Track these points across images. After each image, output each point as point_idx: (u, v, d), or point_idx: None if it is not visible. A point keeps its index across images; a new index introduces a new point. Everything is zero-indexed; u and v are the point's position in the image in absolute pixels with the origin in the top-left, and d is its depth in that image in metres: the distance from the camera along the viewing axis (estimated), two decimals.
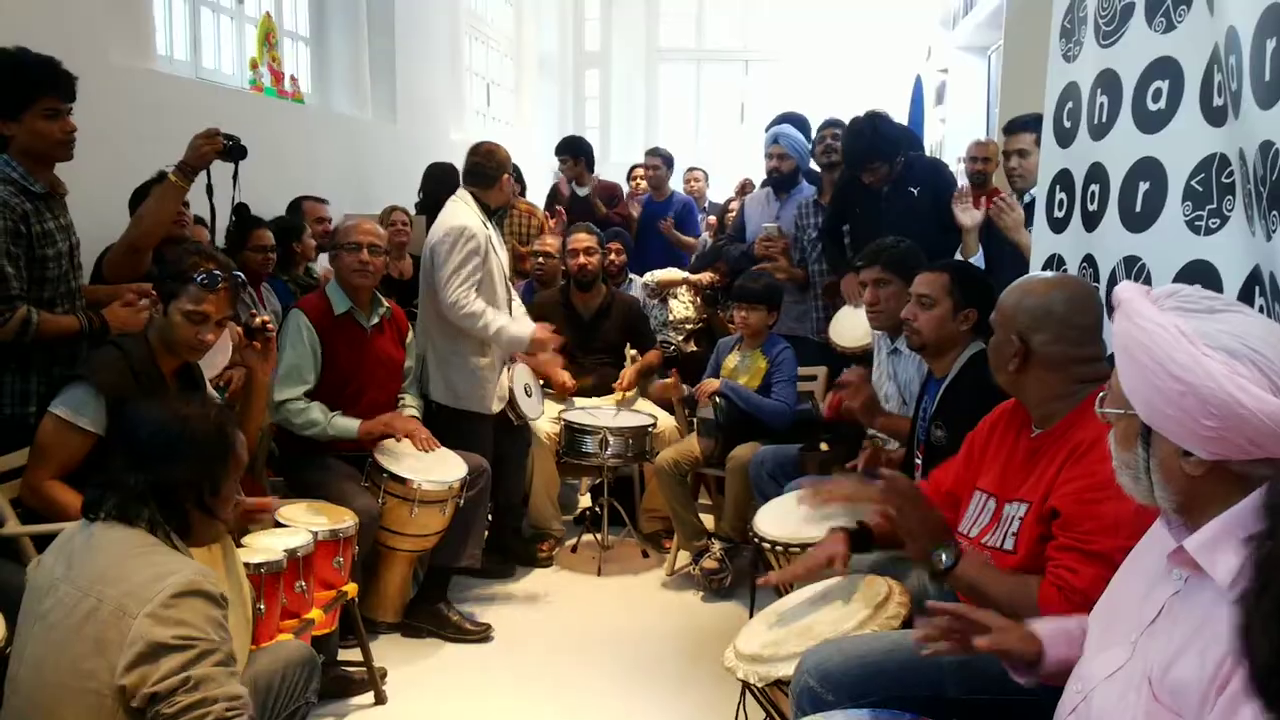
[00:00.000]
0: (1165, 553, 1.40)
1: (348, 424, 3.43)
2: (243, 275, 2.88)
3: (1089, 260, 2.71)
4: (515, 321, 3.89)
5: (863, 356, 3.72)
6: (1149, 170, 2.46)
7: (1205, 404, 1.26)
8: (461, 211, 3.87)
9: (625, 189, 7.30)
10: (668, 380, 4.41)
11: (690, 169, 7.62)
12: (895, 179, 4.22)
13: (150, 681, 1.63)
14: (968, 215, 3.91)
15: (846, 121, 4.80)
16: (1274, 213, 1.85)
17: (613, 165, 8.36)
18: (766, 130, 5.34)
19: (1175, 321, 1.32)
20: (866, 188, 4.27)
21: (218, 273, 2.64)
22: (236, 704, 1.68)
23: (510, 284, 4.10)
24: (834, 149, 4.74)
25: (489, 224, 3.89)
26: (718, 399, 4.08)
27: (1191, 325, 1.31)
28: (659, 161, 6.64)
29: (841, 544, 2.28)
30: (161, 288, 2.68)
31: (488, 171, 3.92)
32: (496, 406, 3.94)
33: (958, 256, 4.14)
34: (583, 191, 6.54)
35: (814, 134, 5.15)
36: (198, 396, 2.04)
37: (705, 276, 5.34)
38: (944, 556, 1.98)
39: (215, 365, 3.29)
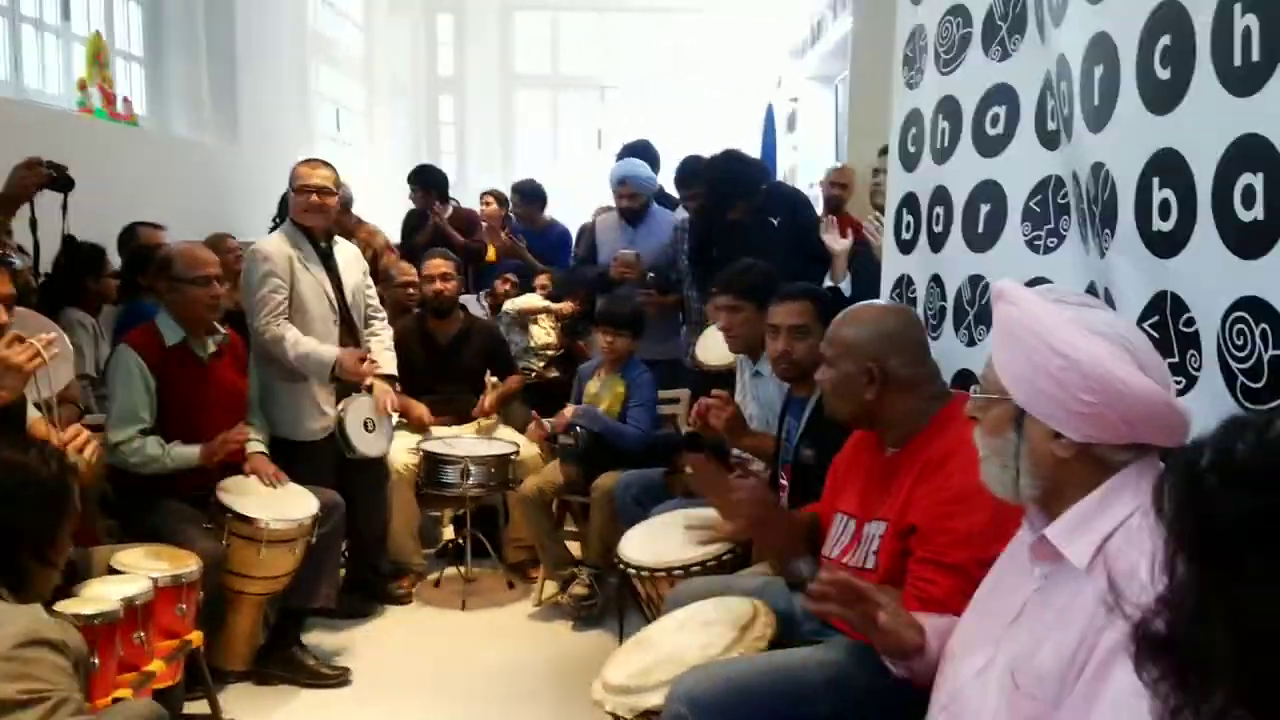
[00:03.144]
0: (1027, 553, 1.45)
1: (187, 452, 3.23)
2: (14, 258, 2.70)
3: (936, 280, 2.80)
4: (322, 347, 3.71)
5: (727, 375, 3.75)
6: (989, 192, 2.56)
7: (1085, 378, 1.33)
8: (269, 236, 3.81)
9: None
10: (532, 428, 4.34)
11: (484, 192, 7.50)
12: (756, 209, 4.28)
13: None
14: (836, 241, 3.99)
15: (697, 177, 4.85)
16: (1106, 231, 1.95)
17: (471, 192, 8.24)
18: (616, 160, 5.34)
19: (1056, 309, 1.40)
20: (726, 220, 4.32)
21: None
22: None
23: (355, 308, 3.95)
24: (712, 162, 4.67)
25: (304, 244, 3.76)
26: (577, 428, 4.04)
27: (1071, 312, 1.39)
28: (516, 198, 6.51)
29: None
30: None
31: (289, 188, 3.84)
32: (314, 434, 3.77)
33: (827, 282, 4.23)
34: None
35: (668, 165, 5.16)
36: (34, 444, 1.91)
37: (565, 306, 5.31)
38: (803, 567, 2.01)
39: (60, 378, 3.06)
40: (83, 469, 2.49)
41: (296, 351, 3.63)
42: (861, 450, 2.23)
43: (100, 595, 2.50)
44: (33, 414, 2.64)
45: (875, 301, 2.88)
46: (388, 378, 4.01)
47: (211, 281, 3.32)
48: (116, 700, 2.36)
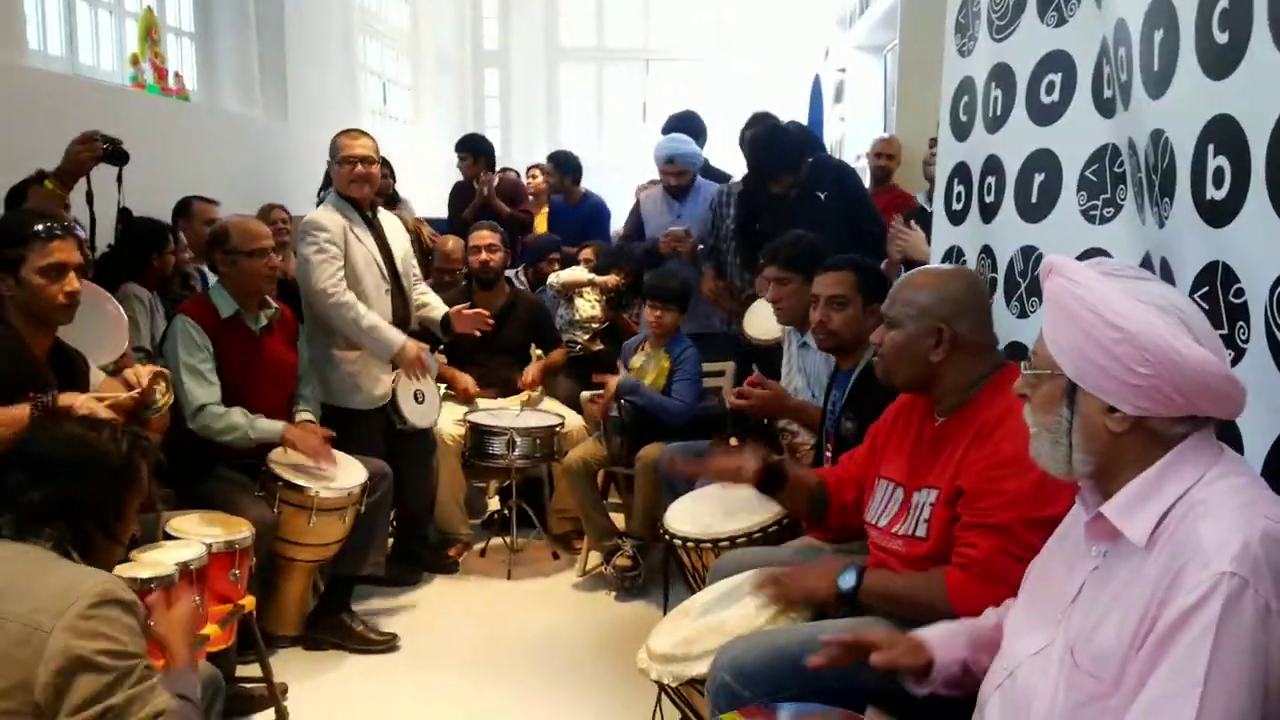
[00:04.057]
0: (1082, 534, 1.43)
1: (272, 426, 3.28)
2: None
3: (987, 251, 2.76)
4: (391, 329, 3.77)
5: (775, 347, 3.73)
6: (1044, 161, 2.51)
7: (1141, 350, 1.30)
8: (319, 209, 3.86)
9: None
10: (594, 406, 4.34)
11: (530, 166, 7.53)
12: (802, 183, 4.24)
13: (69, 707, 1.55)
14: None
15: (769, 115, 4.81)
16: (1165, 199, 1.90)
17: (515, 165, 8.26)
18: (662, 133, 5.30)
19: (1109, 281, 1.37)
20: (769, 194, 4.27)
21: (53, 224, 2.50)
22: (163, 718, 1.63)
23: (405, 276, 4.00)
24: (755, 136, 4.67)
25: (352, 214, 3.80)
26: (621, 400, 4.05)
27: (1124, 285, 1.36)
28: (550, 167, 6.59)
29: (753, 461, 2.31)
30: (3, 261, 2.46)
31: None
32: (372, 402, 3.83)
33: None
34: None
35: (715, 136, 5.14)
36: (105, 423, 1.97)
37: (610, 279, 5.31)
38: (847, 579, 2.02)
39: (116, 346, 3.12)
40: (160, 399, 2.61)
41: (365, 323, 3.68)
42: (907, 418, 2.21)
43: (156, 560, 2.54)
44: (99, 377, 2.70)
45: (941, 265, 2.84)
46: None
47: (268, 253, 3.38)
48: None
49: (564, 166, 6.46)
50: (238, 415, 3.25)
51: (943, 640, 1.67)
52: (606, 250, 5.60)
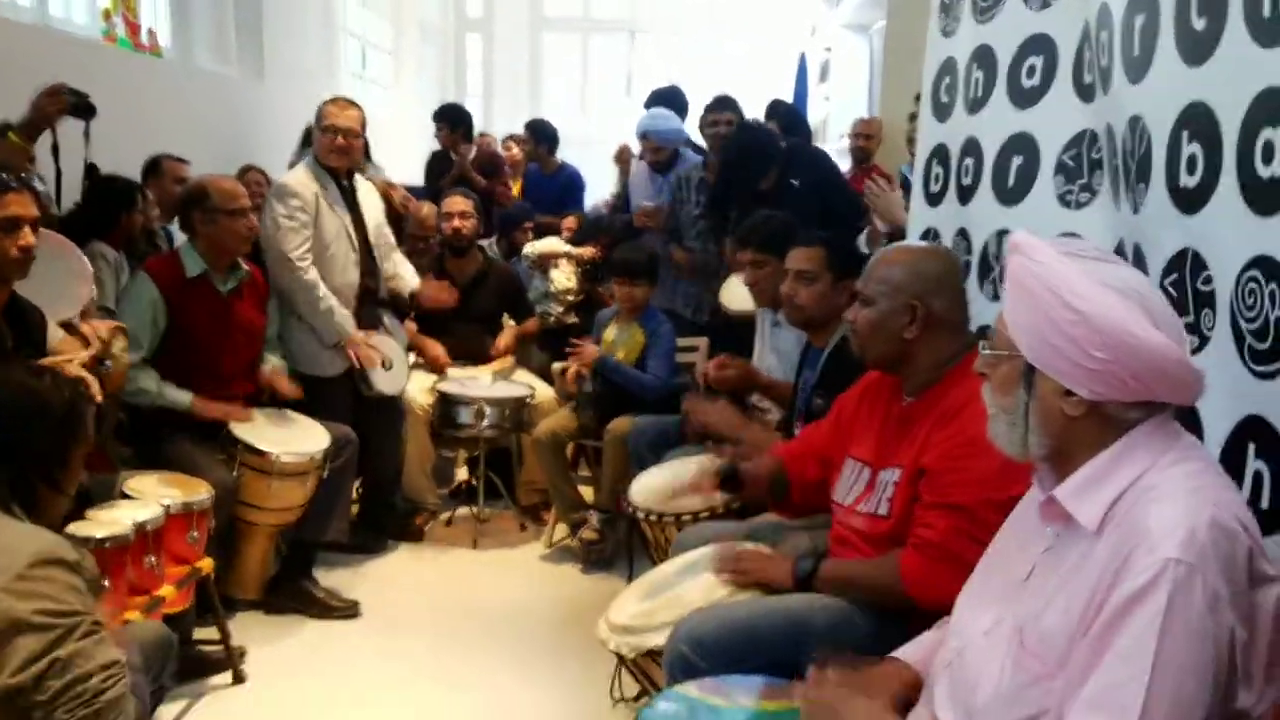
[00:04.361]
0: (1038, 512, 1.42)
1: (179, 396, 3.22)
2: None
3: (962, 233, 2.76)
4: (347, 318, 3.77)
5: (750, 321, 3.72)
6: (1022, 145, 2.50)
7: (1098, 333, 1.28)
8: (293, 171, 3.83)
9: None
10: (570, 373, 4.31)
11: (506, 137, 7.49)
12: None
13: (10, 669, 1.52)
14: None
15: (734, 101, 4.77)
16: (1141, 185, 1.89)
17: (497, 135, 8.18)
18: (645, 107, 5.26)
19: (1070, 262, 1.35)
20: (745, 183, 4.23)
21: (8, 177, 2.45)
22: (113, 670, 1.59)
23: (377, 247, 3.99)
24: (727, 138, 4.60)
25: (328, 182, 3.77)
26: (595, 374, 4.02)
27: (1086, 266, 1.34)
28: (526, 135, 6.59)
29: (710, 476, 2.39)
30: None
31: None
32: (333, 369, 3.80)
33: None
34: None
35: (698, 111, 5.10)
36: (48, 370, 1.93)
37: (586, 251, 5.27)
38: (804, 566, 2.04)
39: (78, 298, 3.06)
40: (118, 353, 2.60)
41: (325, 305, 3.69)
42: (875, 397, 2.20)
43: (112, 519, 2.51)
44: (57, 334, 2.65)
45: (917, 243, 2.83)
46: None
47: (247, 213, 3.35)
48: (126, 623, 2.38)
49: (540, 134, 6.46)
50: (146, 380, 3.19)
51: (922, 660, 1.61)
52: (587, 221, 5.57)
